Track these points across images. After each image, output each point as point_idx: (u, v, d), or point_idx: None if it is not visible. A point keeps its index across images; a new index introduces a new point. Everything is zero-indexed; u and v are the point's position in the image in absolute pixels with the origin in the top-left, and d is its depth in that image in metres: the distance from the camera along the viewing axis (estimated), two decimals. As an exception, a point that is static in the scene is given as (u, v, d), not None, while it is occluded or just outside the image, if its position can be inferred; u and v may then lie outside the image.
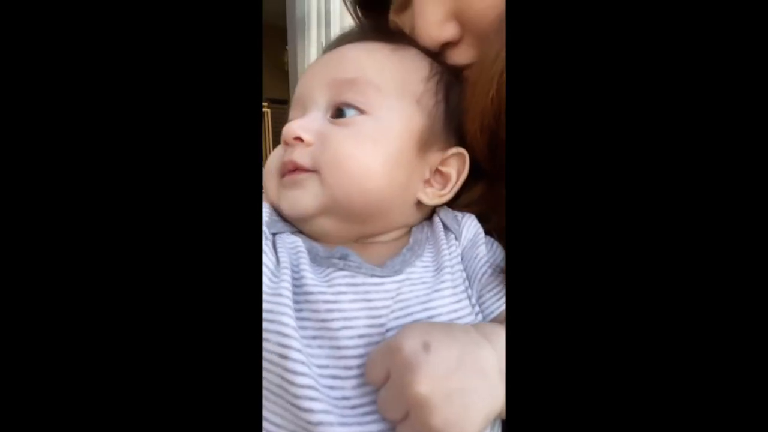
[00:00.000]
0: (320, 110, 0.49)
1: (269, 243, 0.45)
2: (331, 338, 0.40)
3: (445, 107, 0.52)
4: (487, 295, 0.48)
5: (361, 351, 0.40)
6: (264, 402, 0.39)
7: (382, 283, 0.44)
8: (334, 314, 0.41)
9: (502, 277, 0.48)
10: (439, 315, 0.43)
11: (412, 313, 0.43)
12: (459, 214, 0.52)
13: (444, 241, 0.49)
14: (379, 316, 0.42)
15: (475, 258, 0.49)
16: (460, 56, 0.54)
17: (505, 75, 0.47)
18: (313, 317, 0.41)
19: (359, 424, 0.38)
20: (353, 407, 0.39)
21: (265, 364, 0.39)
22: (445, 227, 0.51)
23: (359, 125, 0.47)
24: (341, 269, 0.44)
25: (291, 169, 0.47)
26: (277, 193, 0.48)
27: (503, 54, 0.47)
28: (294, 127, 0.47)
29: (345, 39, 0.56)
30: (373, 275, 0.44)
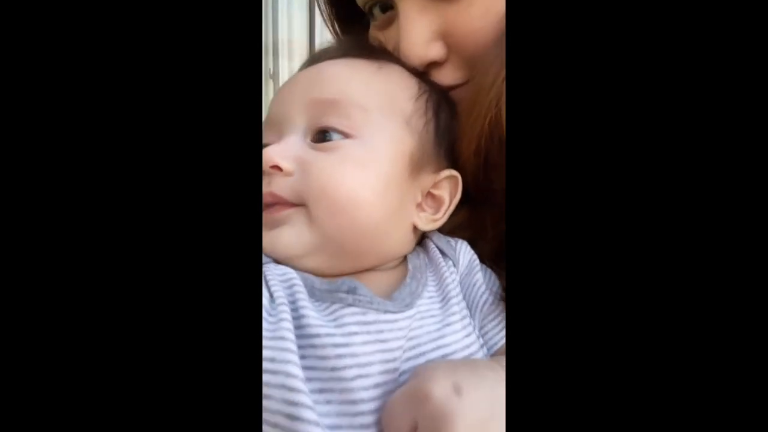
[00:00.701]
0: (298, 134, 0.44)
1: None
2: (342, 391, 0.35)
3: (436, 127, 0.49)
4: (490, 326, 0.45)
5: (377, 404, 0.35)
6: None
7: (395, 320, 0.39)
8: (345, 360, 0.35)
9: (502, 306, 0.46)
10: (454, 353, 0.40)
11: (424, 353, 0.39)
12: (451, 240, 0.50)
13: (445, 269, 0.46)
14: (394, 359, 0.37)
15: (474, 286, 0.46)
16: (445, 77, 0.53)
17: (504, 99, 0.45)
18: (320, 365, 0.35)
19: None
20: None
21: (266, 428, 0.33)
22: (442, 253, 0.48)
23: (345, 150, 0.43)
24: (350, 305, 0.39)
25: (271, 203, 0.42)
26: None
27: (501, 78, 0.46)
28: (271, 153, 0.42)
29: (324, 56, 0.52)
30: (386, 311, 0.39)
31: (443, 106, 0.51)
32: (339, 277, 0.42)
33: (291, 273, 0.41)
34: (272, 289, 0.38)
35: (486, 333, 0.45)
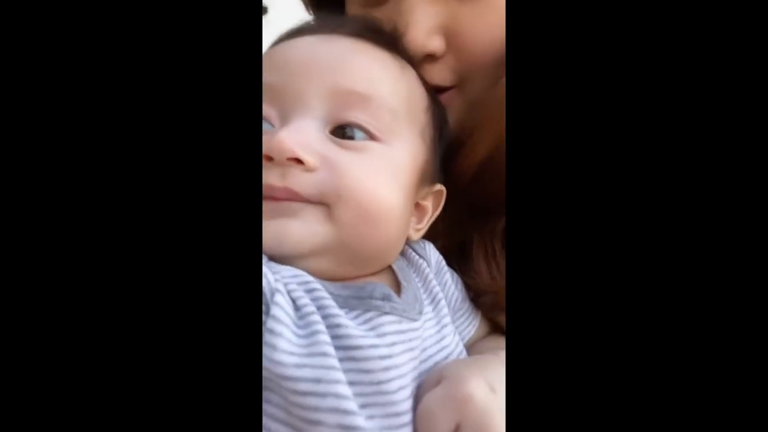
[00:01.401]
0: (315, 121, 0.40)
1: (266, 277, 0.34)
2: (386, 404, 0.33)
3: (440, 141, 0.48)
4: (460, 320, 0.47)
5: (412, 414, 0.34)
6: None
7: (417, 328, 0.38)
8: (391, 373, 0.34)
9: (468, 302, 0.48)
10: (452, 353, 0.40)
11: (431, 356, 0.39)
12: (420, 240, 0.49)
13: (427, 270, 0.46)
14: (417, 368, 0.36)
15: (445, 285, 0.47)
16: (436, 75, 0.51)
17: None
18: (364, 380, 0.33)
19: None
20: None
21: None
22: (417, 254, 0.47)
23: (374, 154, 0.40)
24: (387, 313, 0.37)
25: (278, 197, 0.37)
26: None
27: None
28: (288, 142, 0.37)
29: (332, 27, 0.46)
30: (412, 319, 0.38)
31: (445, 120, 0.50)
32: (335, 281, 0.39)
33: (306, 276, 0.37)
34: (294, 295, 0.34)
35: (458, 327, 0.46)
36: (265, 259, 0.36)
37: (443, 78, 0.51)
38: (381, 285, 0.39)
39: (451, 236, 0.49)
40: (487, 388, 0.34)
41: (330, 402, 0.31)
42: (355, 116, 0.40)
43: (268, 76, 0.39)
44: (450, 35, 0.50)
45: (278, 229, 0.36)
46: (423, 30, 0.48)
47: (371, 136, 0.40)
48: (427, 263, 0.47)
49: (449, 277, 0.48)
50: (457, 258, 0.49)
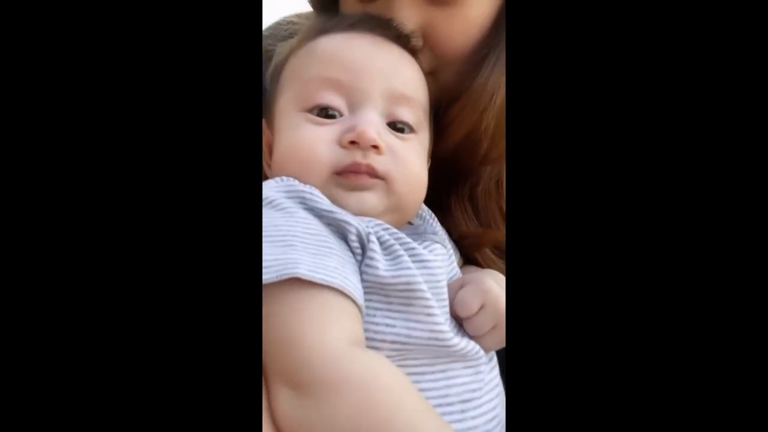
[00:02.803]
0: (377, 113, 0.51)
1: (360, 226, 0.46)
2: (440, 293, 0.48)
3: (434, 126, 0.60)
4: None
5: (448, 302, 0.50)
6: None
7: (448, 250, 0.54)
8: (442, 275, 0.49)
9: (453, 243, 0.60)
10: (455, 269, 0.54)
11: (449, 269, 0.53)
12: None
13: (430, 218, 0.58)
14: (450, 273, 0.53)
15: (439, 231, 0.58)
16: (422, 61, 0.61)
17: (497, 102, 0.58)
18: (431, 279, 0.47)
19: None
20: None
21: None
22: None
23: (414, 143, 0.54)
24: (437, 242, 0.51)
25: (363, 171, 0.49)
26: (327, 189, 0.48)
27: (494, 86, 0.58)
28: (372, 134, 0.48)
29: (371, 26, 0.56)
30: (446, 245, 0.53)
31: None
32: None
33: (384, 224, 0.49)
34: (379, 235, 0.47)
35: None
36: (352, 216, 0.48)
37: (421, 66, 0.61)
38: (429, 225, 0.55)
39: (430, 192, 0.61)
40: (496, 284, 0.50)
41: (416, 294, 0.44)
42: (403, 114, 0.53)
43: (332, 71, 0.52)
44: (426, 34, 0.59)
45: (360, 199, 0.49)
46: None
47: (411, 129, 0.54)
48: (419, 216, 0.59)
49: (439, 228, 0.60)
50: (436, 213, 0.62)
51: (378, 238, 0.46)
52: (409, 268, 0.44)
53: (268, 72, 0.59)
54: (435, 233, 0.53)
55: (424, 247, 0.49)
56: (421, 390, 0.42)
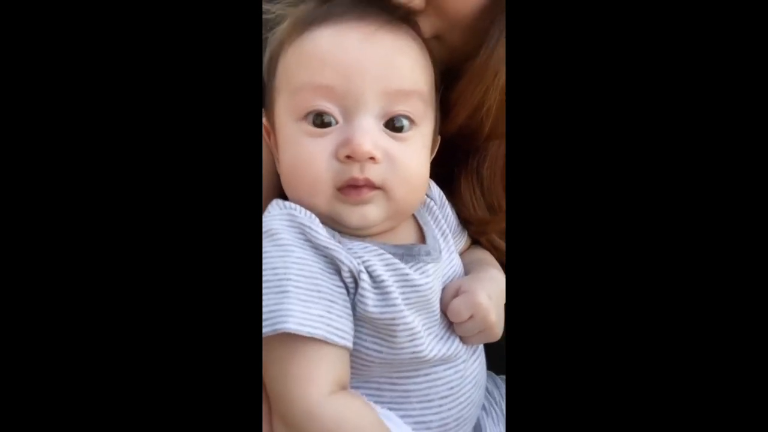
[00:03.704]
0: (373, 117, 0.51)
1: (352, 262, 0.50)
2: (430, 311, 0.54)
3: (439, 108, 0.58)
4: (456, 238, 0.63)
5: (440, 313, 0.55)
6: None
7: (441, 264, 0.57)
8: (433, 294, 0.54)
9: (459, 224, 0.65)
10: (456, 269, 0.59)
11: (447, 275, 0.58)
12: None
13: (435, 207, 0.61)
14: (442, 284, 0.57)
15: (447, 216, 0.63)
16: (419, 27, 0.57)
17: (501, 74, 0.55)
18: (420, 300, 0.53)
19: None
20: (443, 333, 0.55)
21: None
22: (426, 195, 0.61)
23: (414, 139, 0.54)
24: (428, 263, 0.55)
25: (362, 185, 0.51)
26: (330, 205, 0.52)
27: (498, 54, 0.54)
28: (367, 146, 0.49)
29: (359, 13, 0.53)
30: (438, 260, 0.57)
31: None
32: (391, 230, 0.56)
33: (374, 248, 0.53)
34: (371, 268, 0.51)
35: (455, 241, 0.63)
36: (346, 239, 0.52)
37: (423, 30, 0.57)
38: (423, 246, 0.56)
39: (440, 170, 0.61)
40: (487, 296, 0.54)
41: (402, 332, 0.50)
42: (402, 109, 0.52)
43: (323, 75, 0.51)
44: None
45: (361, 214, 0.52)
46: None
47: (411, 122, 0.53)
48: (434, 201, 0.61)
49: (449, 208, 0.63)
50: (446, 191, 0.63)
51: (370, 273, 0.50)
52: (395, 305, 0.50)
53: (264, 63, 0.57)
54: (428, 254, 0.55)
55: (416, 270, 0.53)
56: (406, 392, 0.52)
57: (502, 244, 0.63)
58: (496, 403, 0.63)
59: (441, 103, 0.59)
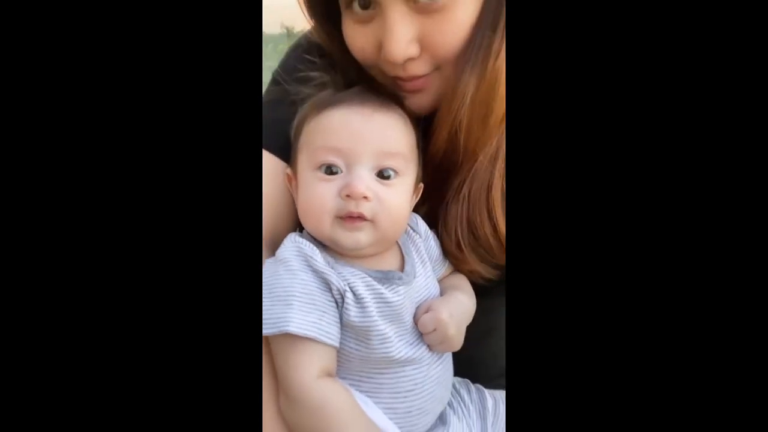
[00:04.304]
0: (367, 169, 0.69)
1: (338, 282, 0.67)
2: (402, 323, 0.70)
3: (421, 160, 0.77)
4: (437, 266, 0.81)
5: (412, 325, 0.72)
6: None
7: (413, 286, 0.74)
8: (404, 310, 0.70)
9: (442, 254, 0.80)
10: (432, 292, 0.76)
11: (422, 295, 0.74)
12: (413, 215, 0.80)
13: (419, 240, 0.79)
14: (414, 303, 0.74)
15: (431, 248, 0.80)
16: (418, 68, 0.74)
17: (468, 96, 0.71)
18: (392, 314, 0.69)
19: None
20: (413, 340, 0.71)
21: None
22: (411, 228, 0.79)
23: (398, 185, 0.72)
24: (400, 285, 0.71)
25: (356, 217, 0.68)
26: (332, 229, 0.69)
27: (470, 81, 0.71)
28: (361, 188, 0.67)
29: (362, 99, 0.72)
30: (410, 283, 0.73)
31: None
32: (377, 254, 0.73)
33: (359, 272, 0.70)
34: (354, 288, 0.68)
35: (434, 269, 0.80)
36: (340, 264, 0.70)
37: (423, 69, 0.74)
38: (398, 273, 0.73)
39: (424, 205, 0.79)
40: (449, 315, 0.71)
41: (376, 337, 0.67)
42: (389, 164, 0.71)
43: (334, 140, 0.70)
44: (423, 41, 0.71)
45: (354, 238, 0.69)
46: (403, 41, 0.70)
47: (396, 173, 0.71)
48: (418, 234, 0.79)
49: (433, 242, 0.80)
50: (430, 223, 0.80)
51: (353, 291, 0.68)
52: (371, 316, 0.67)
53: (292, 128, 0.78)
54: (400, 278, 0.72)
55: (390, 290, 0.70)
56: (379, 384, 0.69)
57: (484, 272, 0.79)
58: (465, 405, 0.78)
59: (425, 131, 0.76)
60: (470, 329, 0.76)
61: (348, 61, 0.77)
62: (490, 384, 0.85)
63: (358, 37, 0.74)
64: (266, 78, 0.86)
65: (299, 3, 0.80)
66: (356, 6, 0.72)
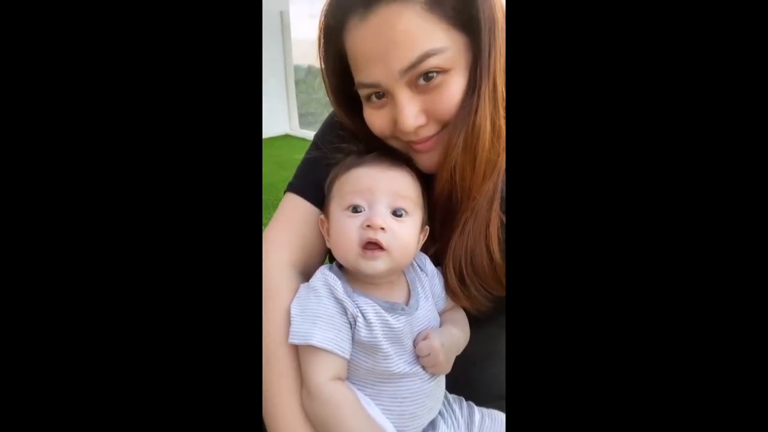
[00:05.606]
0: (384, 207, 0.86)
1: (352, 308, 0.82)
2: (403, 346, 0.86)
3: (425, 207, 0.97)
4: (439, 300, 0.98)
5: (411, 348, 0.88)
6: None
7: (415, 316, 0.89)
8: (406, 335, 0.86)
9: (446, 292, 0.98)
10: (431, 322, 0.93)
11: (422, 324, 0.89)
12: (421, 255, 0.99)
13: (426, 279, 0.97)
14: (415, 330, 0.89)
15: (436, 285, 0.98)
16: (427, 131, 0.90)
17: (461, 143, 0.88)
18: (395, 338, 0.85)
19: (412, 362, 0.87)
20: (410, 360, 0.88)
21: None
22: (419, 267, 0.98)
23: (408, 223, 0.88)
24: (404, 315, 0.86)
25: (374, 246, 0.84)
26: (356, 259, 0.84)
27: (462, 132, 0.87)
28: (380, 221, 0.84)
29: (381, 159, 0.93)
30: (412, 314, 0.88)
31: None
32: (388, 279, 0.90)
33: (371, 301, 0.86)
34: (365, 313, 0.84)
35: (436, 303, 0.97)
36: (357, 293, 0.86)
37: (431, 131, 0.91)
38: (401, 304, 0.88)
39: (434, 245, 0.96)
40: (440, 344, 0.86)
41: (380, 353, 0.82)
42: (401, 204, 0.88)
43: (359, 186, 0.89)
44: (427, 112, 0.91)
45: (373, 266, 0.85)
46: (412, 116, 0.89)
47: (406, 212, 0.89)
48: (425, 273, 0.98)
49: (437, 280, 0.98)
50: (438, 261, 0.99)
51: (364, 316, 0.87)
52: (376, 336, 0.85)
53: (326, 184, 1.00)
54: (403, 309, 0.90)
55: (394, 318, 0.89)
56: (380, 390, 0.87)
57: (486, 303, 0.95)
58: (455, 416, 0.96)
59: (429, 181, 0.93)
60: (469, 355, 0.94)
61: (368, 135, 0.99)
62: (486, 404, 1.01)
63: (376, 119, 0.94)
64: (266, 75, 1.07)
65: (328, 95, 1.01)
66: (374, 98, 0.94)
